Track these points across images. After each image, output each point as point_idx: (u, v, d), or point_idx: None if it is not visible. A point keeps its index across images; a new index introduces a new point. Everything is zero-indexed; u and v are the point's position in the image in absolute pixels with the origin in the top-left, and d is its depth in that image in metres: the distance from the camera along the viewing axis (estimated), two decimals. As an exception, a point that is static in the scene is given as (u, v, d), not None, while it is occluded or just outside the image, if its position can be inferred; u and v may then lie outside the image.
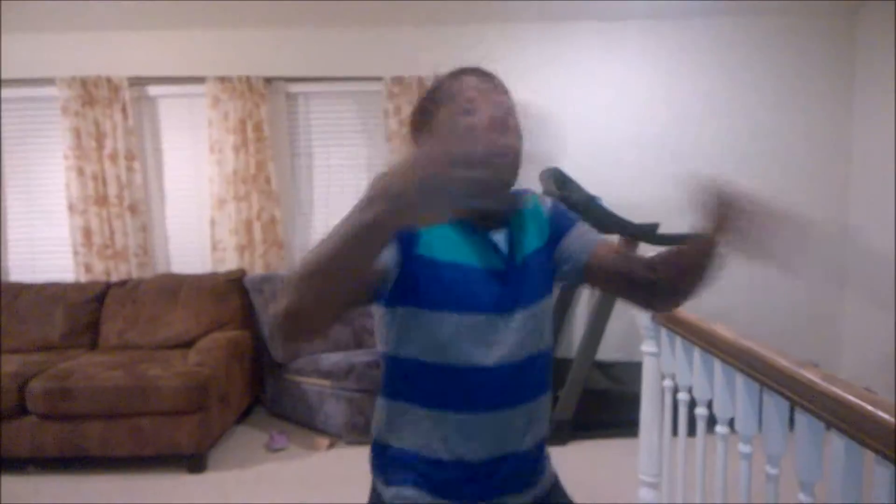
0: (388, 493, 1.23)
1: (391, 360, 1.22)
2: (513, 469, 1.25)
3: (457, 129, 1.12)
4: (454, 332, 1.14)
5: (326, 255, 0.85)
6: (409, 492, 1.21)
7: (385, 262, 1.07)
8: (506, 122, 1.14)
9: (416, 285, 1.13)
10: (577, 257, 1.27)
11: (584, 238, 1.29)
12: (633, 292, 1.27)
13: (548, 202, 1.34)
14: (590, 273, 1.27)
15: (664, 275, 1.22)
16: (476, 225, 1.20)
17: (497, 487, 1.24)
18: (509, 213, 1.24)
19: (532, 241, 1.26)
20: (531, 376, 1.23)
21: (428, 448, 1.19)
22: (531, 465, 1.33)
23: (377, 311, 1.22)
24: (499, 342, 1.17)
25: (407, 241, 1.12)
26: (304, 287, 0.89)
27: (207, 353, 3.72)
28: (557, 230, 1.30)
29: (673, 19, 4.49)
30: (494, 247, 1.20)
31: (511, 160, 1.15)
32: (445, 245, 1.15)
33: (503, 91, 1.18)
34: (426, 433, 1.19)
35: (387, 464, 1.25)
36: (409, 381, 1.20)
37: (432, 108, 1.19)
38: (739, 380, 1.75)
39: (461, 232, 1.18)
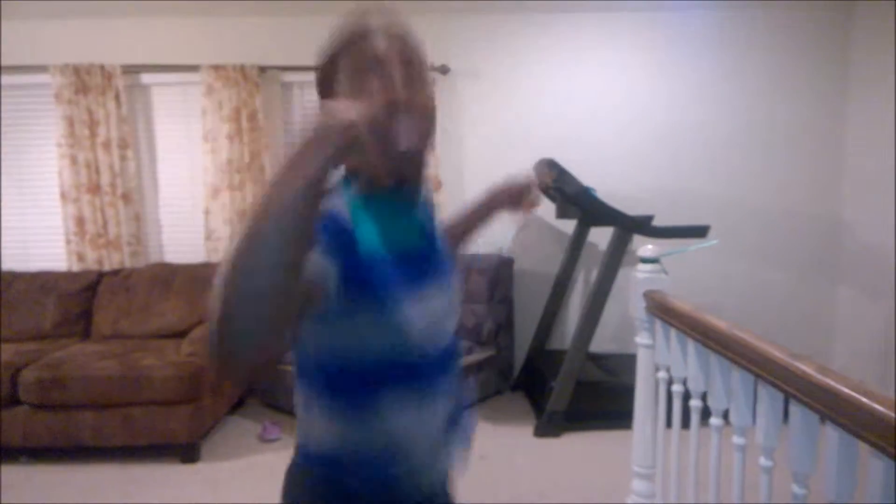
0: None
1: (329, 375, 1.09)
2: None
3: (369, 90, 1.02)
4: (412, 321, 1.08)
5: (260, 233, 0.74)
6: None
7: (313, 275, 0.95)
8: (416, 84, 1.05)
9: (365, 287, 1.03)
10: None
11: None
12: None
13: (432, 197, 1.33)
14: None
15: None
16: (397, 201, 1.14)
17: (439, 477, 1.21)
18: (419, 184, 1.17)
19: (430, 222, 1.24)
20: (454, 358, 1.22)
21: (375, 455, 1.11)
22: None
23: (309, 327, 1.07)
24: (438, 322, 1.14)
25: (343, 250, 1.02)
26: (238, 282, 0.74)
27: (200, 343, 3.71)
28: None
29: (668, 10, 4.48)
30: (419, 225, 1.18)
31: (427, 122, 1.06)
32: (382, 235, 1.09)
33: (411, 45, 1.07)
34: (385, 434, 1.10)
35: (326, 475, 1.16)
36: (367, 384, 1.08)
37: (336, 67, 1.09)
38: (734, 372, 1.75)
39: (389, 214, 1.11)
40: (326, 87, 1.11)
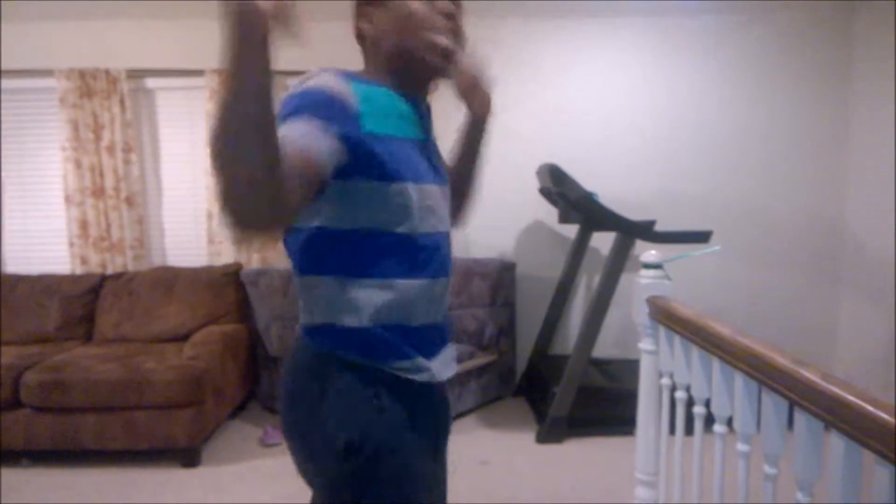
0: (392, 367, 1.21)
1: (340, 235, 1.17)
2: (447, 331, 1.35)
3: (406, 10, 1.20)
4: (415, 201, 1.18)
5: (228, 127, 0.86)
6: (416, 361, 1.23)
7: (322, 156, 1.05)
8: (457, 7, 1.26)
9: (370, 161, 1.12)
10: None
11: None
12: None
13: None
14: None
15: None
16: (404, 94, 1.25)
17: (447, 348, 1.34)
18: (428, 89, 1.32)
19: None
20: (449, 252, 1.32)
21: (393, 317, 1.20)
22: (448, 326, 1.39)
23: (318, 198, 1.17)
24: (441, 211, 1.26)
25: (349, 124, 1.10)
26: (225, 167, 0.86)
27: (202, 347, 3.71)
28: None
29: (669, 15, 4.48)
30: (420, 118, 1.29)
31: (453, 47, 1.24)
32: (387, 119, 1.17)
33: None
34: (390, 304, 1.20)
35: (360, 342, 1.20)
36: (365, 254, 1.18)
37: None
38: (738, 378, 1.74)
39: (395, 102, 1.22)
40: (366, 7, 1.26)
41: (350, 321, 1.19)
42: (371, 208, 1.15)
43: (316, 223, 1.17)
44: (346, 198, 1.14)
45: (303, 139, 1.02)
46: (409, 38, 1.20)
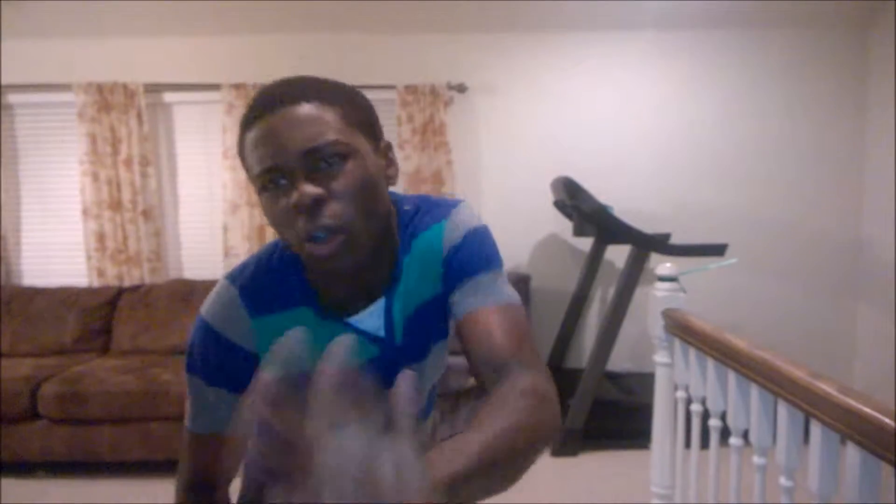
0: None
1: None
2: None
3: (268, 215, 0.89)
4: None
5: None
6: None
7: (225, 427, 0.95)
8: (317, 192, 0.84)
9: None
10: (456, 312, 1.02)
11: (468, 293, 1.00)
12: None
13: (452, 237, 1.03)
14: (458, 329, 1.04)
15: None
16: (338, 308, 0.99)
17: None
18: (379, 280, 1.00)
19: (427, 287, 1.03)
20: None
21: None
22: None
23: None
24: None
25: (245, 374, 0.92)
26: None
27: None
28: (452, 279, 1.02)
29: (685, 30, 4.48)
30: (364, 334, 0.99)
31: (338, 248, 0.86)
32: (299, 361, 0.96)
33: (311, 121, 0.86)
34: None
35: None
36: None
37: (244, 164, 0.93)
38: (754, 391, 1.74)
39: (316, 325, 0.96)
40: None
41: None
42: None
43: None
44: None
45: (197, 425, 0.97)
46: (290, 244, 0.90)
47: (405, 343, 1.02)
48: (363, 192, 0.87)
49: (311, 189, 0.83)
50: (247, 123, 0.88)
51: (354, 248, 0.87)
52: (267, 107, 0.86)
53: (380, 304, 1.00)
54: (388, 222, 0.96)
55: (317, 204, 0.83)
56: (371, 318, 0.99)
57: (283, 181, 0.85)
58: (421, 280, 1.03)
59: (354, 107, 0.93)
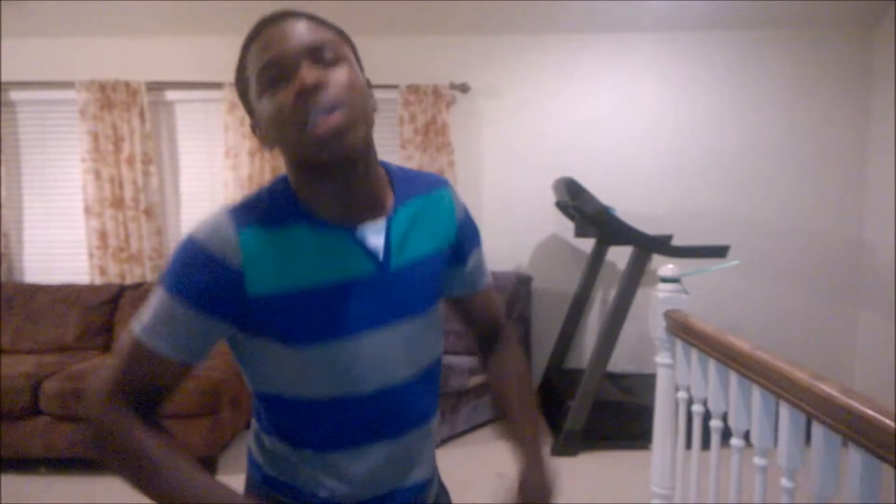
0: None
1: (255, 395, 1.06)
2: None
3: (267, 112, 0.92)
4: (322, 363, 0.97)
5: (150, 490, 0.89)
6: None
7: (173, 358, 0.93)
8: (319, 77, 0.88)
9: (260, 328, 0.95)
10: (460, 290, 1.21)
11: (475, 273, 1.21)
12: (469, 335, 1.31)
13: (462, 205, 1.16)
14: (457, 306, 1.24)
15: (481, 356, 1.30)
16: (338, 222, 0.98)
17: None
18: (372, 202, 1.01)
19: (424, 242, 1.07)
20: (415, 400, 1.07)
21: (301, 483, 1.05)
22: (420, 498, 1.14)
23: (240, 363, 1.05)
24: (375, 365, 1.00)
25: (227, 293, 0.92)
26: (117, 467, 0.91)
27: (219, 357, 3.73)
28: (463, 244, 1.16)
29: (687, 31, 4.49)
30: (363, 248, 0.99)
31: (341, 120, 0.88)
32: (286, 271, 0.94)
33: (310, 30, 0.93)
34: (298, 471, 1.04)
35: (260, 483, 1.10)
36: (276, 418, 1.04)
37: (241, 85, 0.98)
38: (755, 392, 1.74)
39: (312, 238, 0.96)
40: (246, 104, 1.00)
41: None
42: (270, 370, 1.00)
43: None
44: (248, 363, 1.02)
45: (152, 338, 0.92)
46: (286, 145, 0.93)
47: (399, 276, 1.02)
48: (358, 91, 0.92)
49: (313, 73, 0.88)
50: (249, 40, 0.94)
51: (354, 126, 0.90)
52: (270, 21, 0.92)
53: (381, 224, 1.01)
54: (372, 141, 0.99)
55: (317, 89, 0.87)
56: (373, 234, 1.00)
57: (282, 83, 0.90)
58: (426, 231, 1.07)
59: (346, 37, 0.99)
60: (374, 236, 1.00)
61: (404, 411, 1.06)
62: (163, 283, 0.93)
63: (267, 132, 0.94)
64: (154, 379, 0.93)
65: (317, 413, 1.00)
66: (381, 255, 1.00)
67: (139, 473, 0.89)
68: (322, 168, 0.92)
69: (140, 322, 0.93)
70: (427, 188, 1.11)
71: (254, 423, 1.12)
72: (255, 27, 0.94)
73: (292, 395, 1.00)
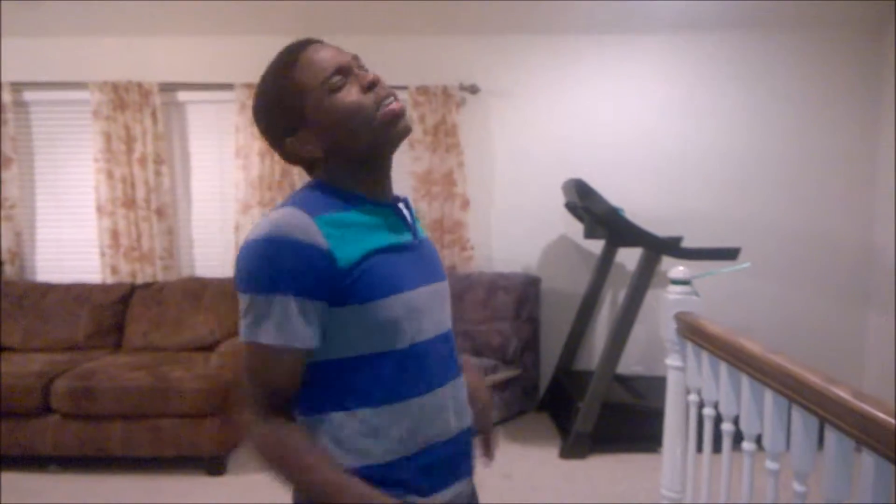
0: None
1: (333, 366, 1.09)
2: (463, 444, 1.21)
3: (345, 107, 1.08)
4: (401, 313, 1.08)
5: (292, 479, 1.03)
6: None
7: (307, 346, 1.04)
8: (374, 75, 1.11)
9: (346, 293, 1.04)
10: None
11: None
12: None
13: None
14: None
15: None
16: (377, 198, 1.15)
17: (460, 464, 1.20)
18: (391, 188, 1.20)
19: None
20: (452, 348, 1.22)
21: (395, 449, 1.09)
22: (470, 440, 1.25)
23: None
24: (435, 313, 1.17)
25: (324, 275, 1.02)
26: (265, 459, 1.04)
27: (230, 357, 3.74)
28: None
29: (699, 32, 4.48)
30: (403, 221, 1.17)
31: (402, 105, 1.12)
32: (360, 239, 1.07)
33: (339, 48, 1.15)
34: (389, 432, 1.09)
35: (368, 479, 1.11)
36: (356, 383, 1.09)
37: (294, 102, 1.11)
38: (768, 395, 1.73)
39: (365, 217, 1.11)
40: (292, 123, 1.13)
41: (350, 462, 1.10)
42: (352, 334, 1.07)
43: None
44: (329, 338, 1.08)
45: (281, 338, 1.01)
46: (360, 132, 1.09)
47: (425, 245, 1.22)
48: None
49: (372, 72, 1.11)
50: (286, 65, 1.12)
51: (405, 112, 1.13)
52: (301, 47, 1.14)
53: (406, 200, 1.21)
54: None
55: (378, 82, 1.10)
56: (405, 209, 1.19)
57: (345, 86, 1.09)
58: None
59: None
60: (406, 212, 1.19)
61: (454, 356, 1.22)
62: (257, 289, 1.01)
63: (336, 130, 1.10)
64: (294, 376, 1.06)
65: (403, 362, 1.10)
66: (412, 225, 1.19)
67: (298, 476, 1.03)
68: (377, 152, 1.12)
69: (257, 332, 1.02)
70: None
71: (320, 435, 1.10)
72: (289, 54, 1.13)
73: (374, 351, 1.08)
